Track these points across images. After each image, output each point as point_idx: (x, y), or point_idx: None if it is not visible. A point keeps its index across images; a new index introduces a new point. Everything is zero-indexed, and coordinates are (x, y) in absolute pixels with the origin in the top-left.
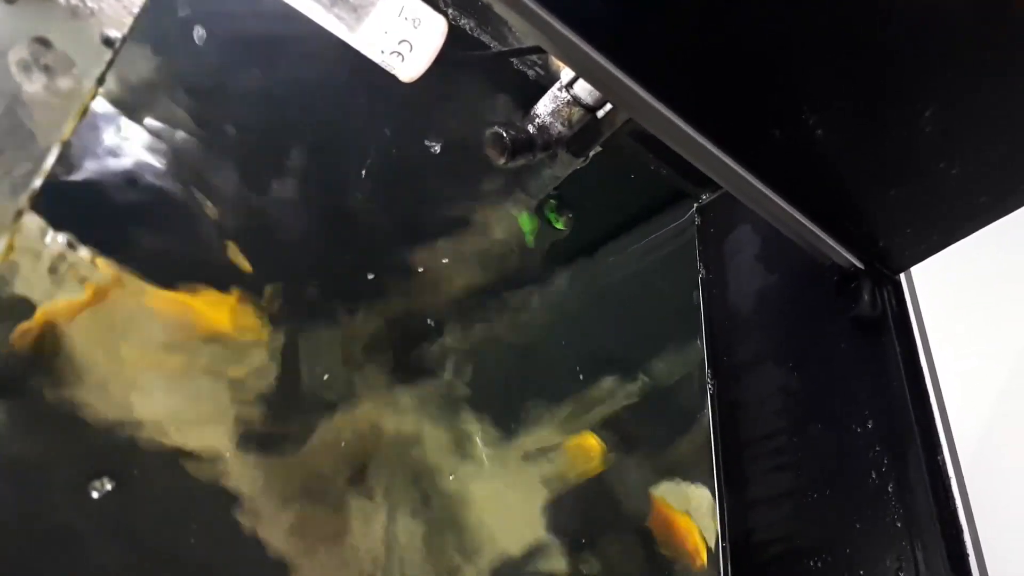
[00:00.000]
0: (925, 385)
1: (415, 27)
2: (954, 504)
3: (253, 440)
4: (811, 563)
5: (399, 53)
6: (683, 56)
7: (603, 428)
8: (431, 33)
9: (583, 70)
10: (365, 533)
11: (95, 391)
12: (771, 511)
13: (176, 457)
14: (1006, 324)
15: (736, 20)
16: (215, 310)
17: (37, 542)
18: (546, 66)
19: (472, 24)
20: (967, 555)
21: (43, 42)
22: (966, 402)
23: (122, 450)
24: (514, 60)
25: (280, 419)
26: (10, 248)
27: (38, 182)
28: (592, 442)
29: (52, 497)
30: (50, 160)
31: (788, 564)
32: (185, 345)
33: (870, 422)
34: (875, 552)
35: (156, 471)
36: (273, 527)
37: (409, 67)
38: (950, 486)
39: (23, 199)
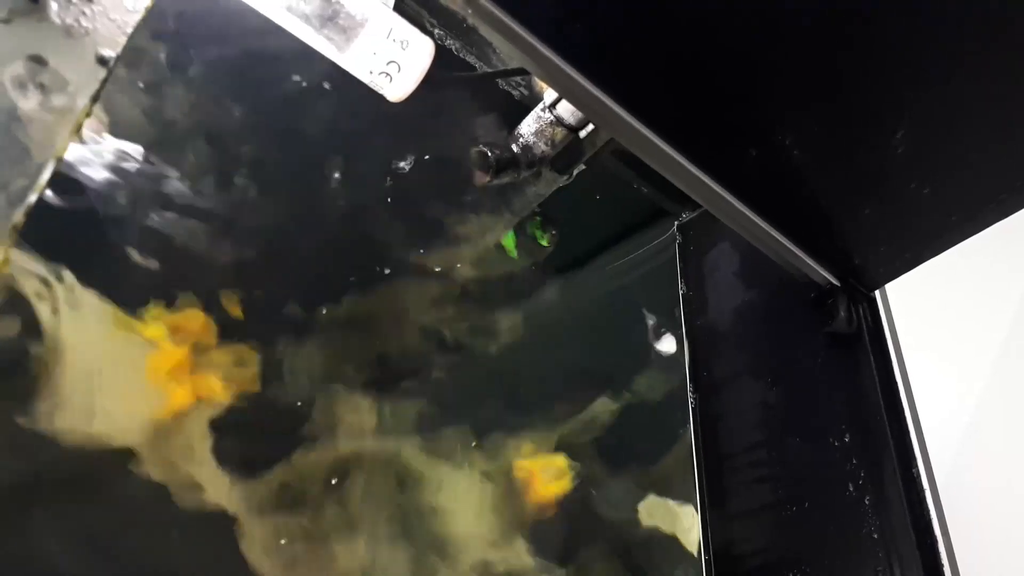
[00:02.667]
0: (900, 399)
1: (403, 48)
2: (929, 516)
3: (233, 456)
4: (790, 575)
5: (387, 74)
6: (662, 78)
7: (586, 444)
8: (419, 54)
9: (565, 91)
10: (346, 548)
11: (71, 410)
12: (751, 523)
13: (154, 476)
14: (977, 339)
15: (714, 43)
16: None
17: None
18: (530, 86)
19: (458, 45)
20: (942, 566)
21: (38, 60)
22: (940, 415)
23: (102, 468)
24: (499, 80)
25: (261, 434)
26: (5, 262)
27: (33, 197)
28: (560, 463)
29: (32, 519)
30: (45, 176)
31: None
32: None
33: (847, 436)
34: (853, 564)
35: (137, 490)
36: (254, 545)
37: (397, 87)
38: (925, 498)
39: (18, 214)
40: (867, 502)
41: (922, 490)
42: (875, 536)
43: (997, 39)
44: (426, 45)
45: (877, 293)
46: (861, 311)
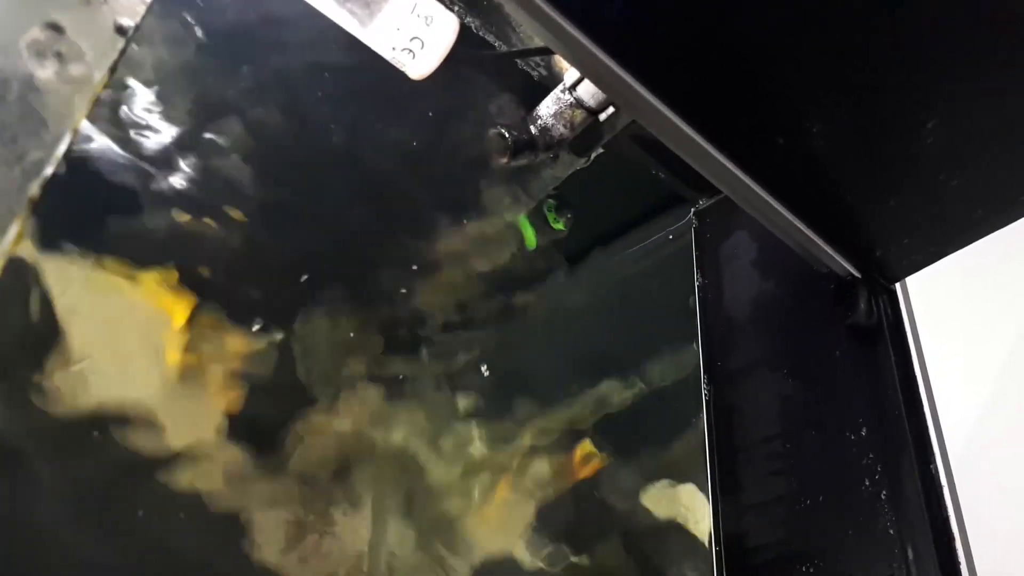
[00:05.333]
0: (919, 394)
1: (427, 24)
2: (946, 513)
3: (242, 440)
4: (803, 568)
5: (410, 50)
6: (691, 62)
7: (598, 431)
8: (443, 31)
9: (592, 73)
10: (352, 533)
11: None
12: (764, 516)
13: (163, 457)
14: (999, 335)
15: (745, 29)
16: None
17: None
18: (549, 67)
19: (478, 23)
20: (959, 564)
21: (55, 28)
22: (959, 412)
23: (109, 448)
24: (519, 60)
25: (270, 418)
26: (20, 236)
27: (49, 170)
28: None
29: (36, 490)
30: (61, 148)
31: (781, 569)
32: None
33: (864, 430)
34: (867, 560)
35: (144, 472)
36: (261, 530)
37: (420, 64)
38: (943, 495)
39: (34, 187)
40: (883, 497)
41: (940, 487)
42: (891, 532)
43: None
44: (451, 22)
45: (897, 286)
46: (882, 304)
